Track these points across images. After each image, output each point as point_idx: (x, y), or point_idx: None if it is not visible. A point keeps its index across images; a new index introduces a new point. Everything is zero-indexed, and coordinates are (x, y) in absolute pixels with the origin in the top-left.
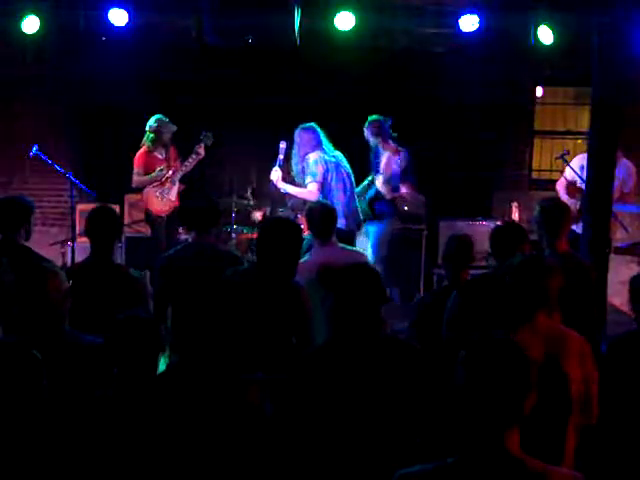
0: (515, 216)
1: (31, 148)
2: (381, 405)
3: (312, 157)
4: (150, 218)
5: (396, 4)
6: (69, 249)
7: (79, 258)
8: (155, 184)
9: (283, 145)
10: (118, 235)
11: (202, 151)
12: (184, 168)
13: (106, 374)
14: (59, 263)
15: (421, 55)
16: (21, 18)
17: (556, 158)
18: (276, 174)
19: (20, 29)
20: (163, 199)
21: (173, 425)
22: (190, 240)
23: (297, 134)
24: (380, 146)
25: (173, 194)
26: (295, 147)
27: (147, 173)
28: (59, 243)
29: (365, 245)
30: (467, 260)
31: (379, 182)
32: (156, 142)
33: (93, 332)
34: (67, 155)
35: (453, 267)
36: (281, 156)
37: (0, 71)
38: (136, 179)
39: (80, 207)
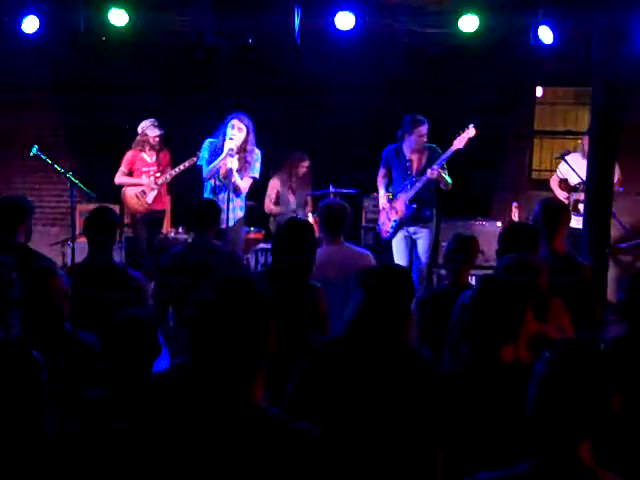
0: (515, 216)
1: (31, 148)
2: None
3: (257, 151)
4: (132, 219)
5: (396, 4)
6: (69, 249)
7: (79, 258)
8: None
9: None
10: (116, 235)
11: (188, 164)
12: (168, 176)
13: (106, 374)
14: (59, 263)
15: (420, 55)
16: (21, 18)
17: (556, 158)
18: (236, 163)
19: (20, 29)
20: (140, 200)
21: (182, 434)
22: (190, 240)
23: (249, 122)
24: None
25: (150, 197)
26: (250, 135)
27: (130, 172)
28: (59, 243)
29: (402, 249)
30: (470, 260)
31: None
32: (140, 144)
33: (93, 332)
34: (67, 155)
35: (455, 266)
36: (236, 144)
37: (0, 71)
38: (118, 177)
39: (80, 207)
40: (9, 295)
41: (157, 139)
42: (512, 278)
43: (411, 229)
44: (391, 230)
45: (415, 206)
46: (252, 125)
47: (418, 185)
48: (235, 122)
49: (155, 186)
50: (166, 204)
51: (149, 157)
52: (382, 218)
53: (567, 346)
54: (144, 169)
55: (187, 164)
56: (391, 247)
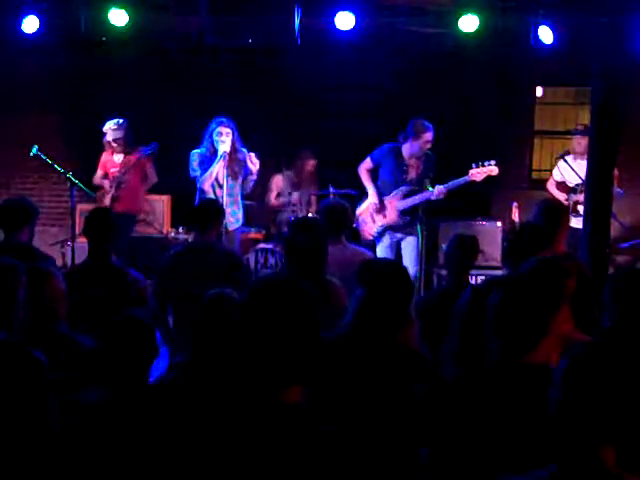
0: (515, 216)
1: (31, 148)
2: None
3: (244, 150)
4: None
5: (396, 4)
6: (69, 249)
7: (79, 258)
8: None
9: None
10: (116, 236)
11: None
12: (112, 183)
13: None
14: (59, 263)
15: (420, 55)
16: (21, 18)
17: (556, 158)
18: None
19: (20, 29)
20: (101, 200)
21: (186, 433)
22: (190, 240)
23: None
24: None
25: (107, 199)
26: (235, 134)
27: (106, 174)
28: (59, 243)
29: (388, 255)
30: (470, 259)
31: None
32: (105, 145)
33: (92, 332)
34: (67, 155)
35: (455, 267)
36: (228, 149)
37: (0, 71)
38: (94, 179)
39: (80, 207)
40: (16, 298)
41: (114, 141)
42: (539, 281)
43: (397, 234)
44: (376, 234)
45: (409, 219)
46: (234, 124)
47: (417, 200)
48: (220, 129)
49: (109, 188)
50: (129, 206)
51: (117, 158)
52: (364, 216)
53: (587, 348)
54: (112, 170)
55: (130, 163)
56: (372, 247)
